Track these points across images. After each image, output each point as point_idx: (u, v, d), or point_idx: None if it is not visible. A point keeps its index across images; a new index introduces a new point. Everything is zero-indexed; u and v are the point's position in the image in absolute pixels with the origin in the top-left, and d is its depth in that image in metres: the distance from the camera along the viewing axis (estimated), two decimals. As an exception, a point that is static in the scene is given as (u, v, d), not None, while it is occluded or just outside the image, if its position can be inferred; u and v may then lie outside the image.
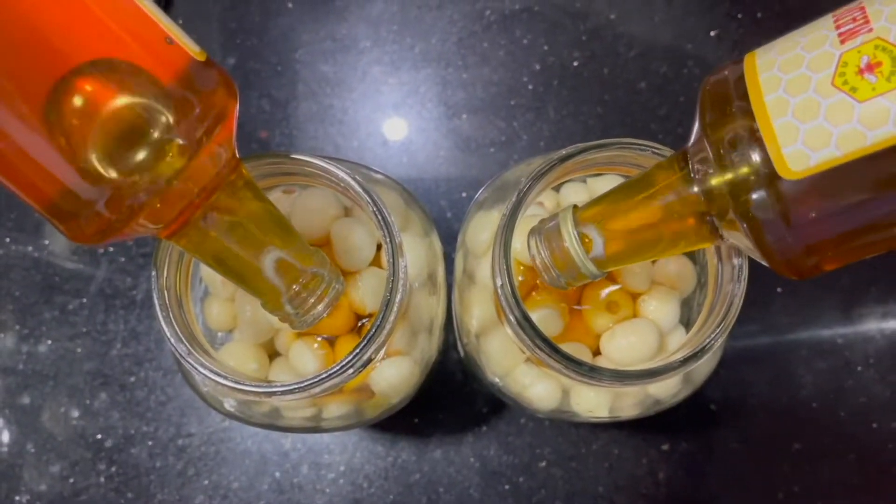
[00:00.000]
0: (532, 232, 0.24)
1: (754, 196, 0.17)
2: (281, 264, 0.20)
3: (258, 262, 0.20)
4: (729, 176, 0.17)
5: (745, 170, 0.17)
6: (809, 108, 0.16)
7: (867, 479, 0.40)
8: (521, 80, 0.44)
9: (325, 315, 0.22)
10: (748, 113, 0.17)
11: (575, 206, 0.22)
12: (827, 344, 0.42)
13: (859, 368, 0.41)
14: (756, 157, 0.17)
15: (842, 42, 0.16)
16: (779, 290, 0.42)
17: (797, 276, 0.18)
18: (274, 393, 0.22)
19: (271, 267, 0.20)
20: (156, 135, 0.16)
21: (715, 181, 0.18)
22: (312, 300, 0.21)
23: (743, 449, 0.40)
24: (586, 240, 0.21)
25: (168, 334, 0.22)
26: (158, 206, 0.16)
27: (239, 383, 0.22)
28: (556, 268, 0.23)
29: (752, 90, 0.17)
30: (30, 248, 0.42)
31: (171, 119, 0.16)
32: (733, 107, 0.17)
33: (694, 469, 0.40)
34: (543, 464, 0.40)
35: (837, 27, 0.16)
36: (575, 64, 0.44)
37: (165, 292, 0.22)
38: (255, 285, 0.21)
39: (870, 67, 0.15)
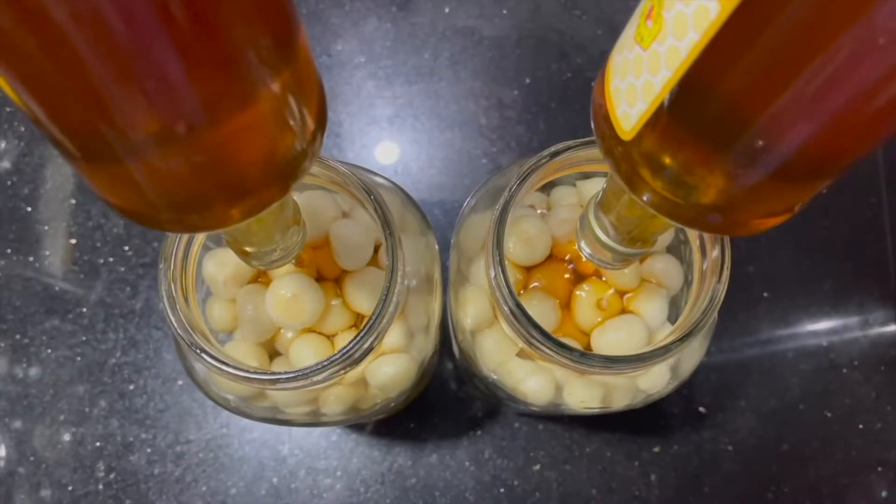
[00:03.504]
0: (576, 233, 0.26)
1: (625, 168, 0.16)
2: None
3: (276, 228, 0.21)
4: (610, 159, 0.17)
5: (607, 145, 0.17)
6: (623, 66, 0.15)
7: (854, 478, 0.41)
8: (511, 94, 0.45)
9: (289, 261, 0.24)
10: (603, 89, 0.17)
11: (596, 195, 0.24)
12: (812, 347, 0.43)
13: (844, 370, 0.42)
14: (607, 129, 0.16)
15: None
16: (765, 294, 0.43)
17: (740, 234, 0.17)
18: (278, 380, 0.22)
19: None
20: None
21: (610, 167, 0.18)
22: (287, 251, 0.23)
23: (732, 450, 0.41)
24: (603, 224, 0.23)
25: (174, 323, 0.23)
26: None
27: (244, 371, 0.23)
28: (598, 255, 0.25)
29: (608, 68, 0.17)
30: (30, 259, 0.43)
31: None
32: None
33: (685, 470, 0.41)
34: (537, 467, 0.41)
35: None
36: (563, 77, 0.45)
37: (173, 283, 0.23)
38: (264, 244, 0.22)
39: (650, 14, 0.14)
